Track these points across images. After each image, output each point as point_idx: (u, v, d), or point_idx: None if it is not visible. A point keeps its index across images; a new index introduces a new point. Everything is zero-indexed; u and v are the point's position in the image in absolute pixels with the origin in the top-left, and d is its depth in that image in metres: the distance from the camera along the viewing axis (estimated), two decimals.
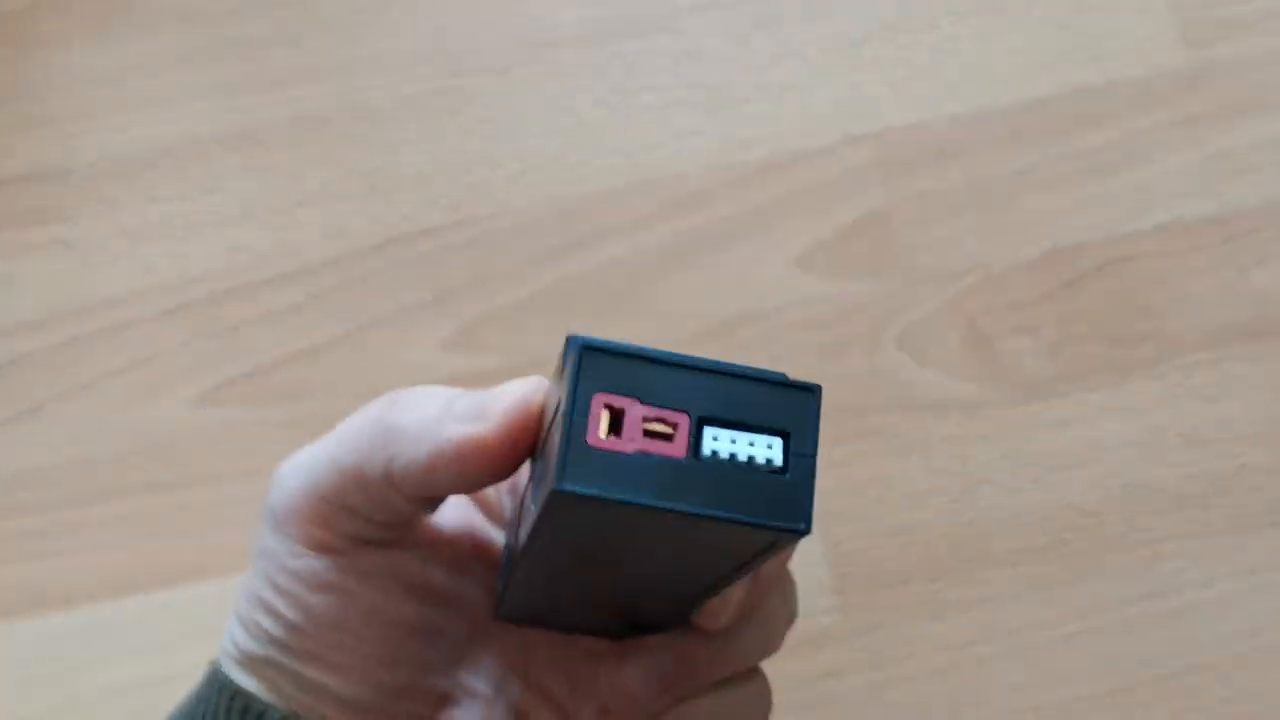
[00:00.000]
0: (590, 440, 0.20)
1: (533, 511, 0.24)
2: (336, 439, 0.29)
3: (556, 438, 0.21)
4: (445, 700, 0.31)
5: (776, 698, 0.33)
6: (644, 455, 0.20)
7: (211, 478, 0.53)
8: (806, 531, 0.21)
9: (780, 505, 0.20)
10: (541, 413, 0.25)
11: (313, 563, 0.28)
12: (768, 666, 0.32)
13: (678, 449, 0.20)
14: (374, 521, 0.29)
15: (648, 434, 0.21)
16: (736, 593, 0.28)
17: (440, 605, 0.31)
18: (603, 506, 0.20)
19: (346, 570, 0.29)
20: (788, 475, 0.21)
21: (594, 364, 0.21)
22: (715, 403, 0.21)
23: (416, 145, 0.57)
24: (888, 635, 0.50)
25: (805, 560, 0.50)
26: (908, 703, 0.49)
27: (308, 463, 0.29)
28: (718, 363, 0.21)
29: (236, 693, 0.30)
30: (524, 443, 0.25)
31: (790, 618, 0.32)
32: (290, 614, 0.29)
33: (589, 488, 0.20)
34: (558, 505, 0.21)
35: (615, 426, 0.21)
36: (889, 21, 0.57)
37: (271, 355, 0.54)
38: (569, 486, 0.20)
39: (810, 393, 0.21)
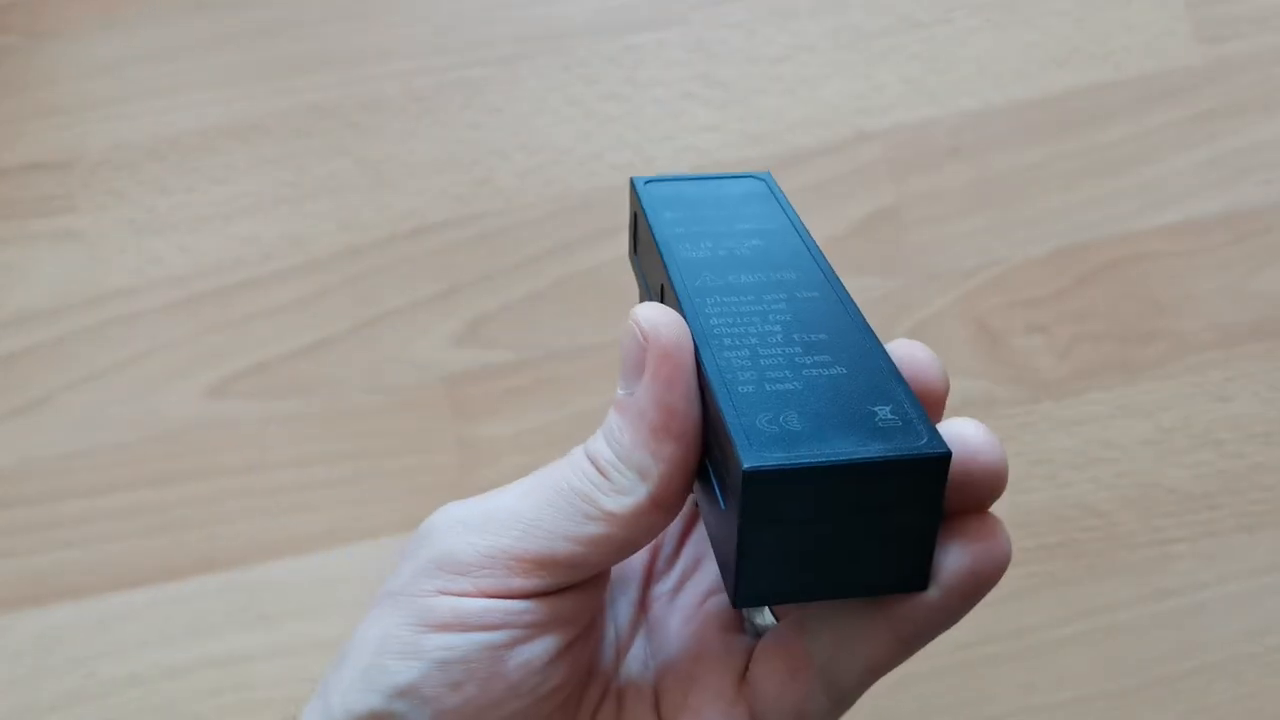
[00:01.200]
0: None
1: None
2: (532, 501, 0.27)
3: None
4: None
5: None
6: None
7: (218, 470, 0.53)
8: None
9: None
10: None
11: (488, 605, 0.26)
12: None
13: None
14: (571, 571, 0.27)
15: None
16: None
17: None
18: None
19: (526, 613, 0.26)
20: None
21: None
22: None
23: (425, 137, 0.57)
24: None
25: None
26: (915, 700, 0.49)
27: (500, 519, 0.27)
28: None
29: None
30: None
31: None
32: (444, 652, 0.26)
33: None
34: None
35: None
36: (902, 15, 0.57)
37: (279, 348, 0.54)
38: None
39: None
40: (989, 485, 0.24)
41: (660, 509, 0.26)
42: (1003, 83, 0.56)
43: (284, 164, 0.57)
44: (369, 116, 0.57)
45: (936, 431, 0.23)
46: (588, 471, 0.26)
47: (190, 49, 0.59)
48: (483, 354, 0.54)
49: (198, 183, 0.57)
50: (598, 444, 0.26)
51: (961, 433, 0.24)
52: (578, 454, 0.27)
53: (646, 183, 0.33)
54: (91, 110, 0.58)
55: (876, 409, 0.24)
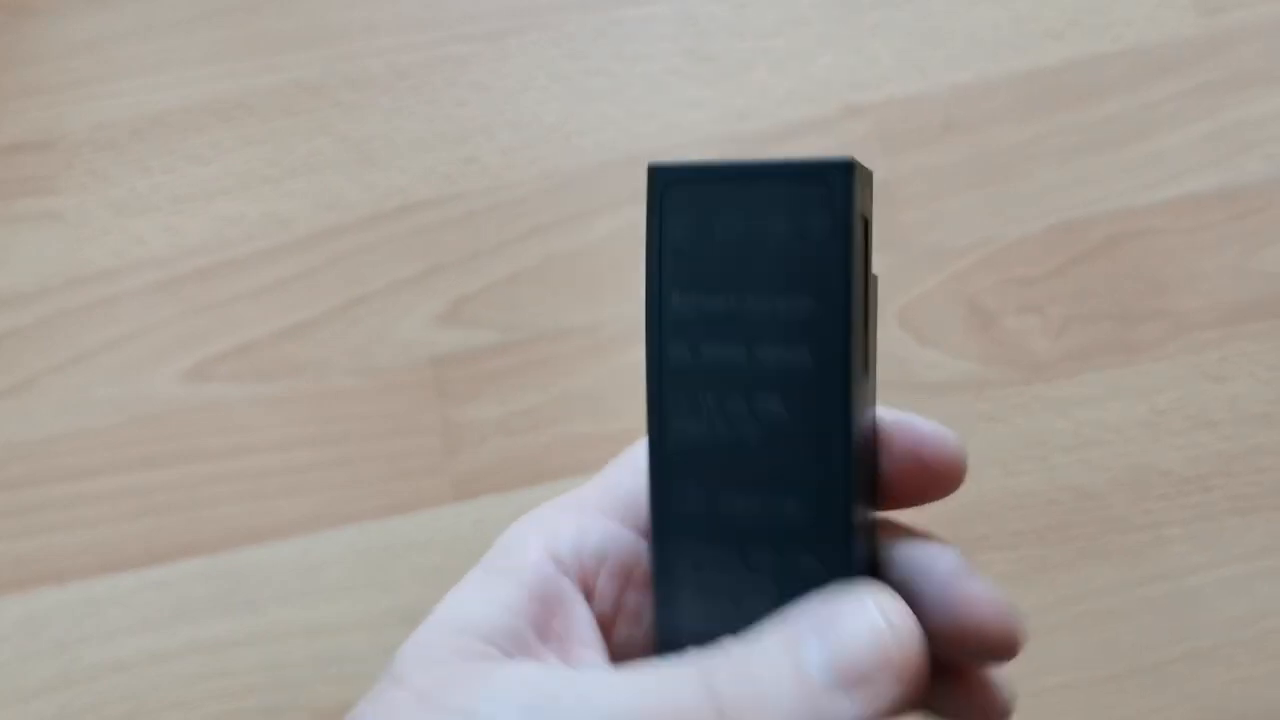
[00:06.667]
0: None
1: None
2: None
3: None
4: None
5: None
6: None
7: (202, 454, 0.52)
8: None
9: None
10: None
11: None
12: None
13: None
14: None
15: None
16: None
17: None
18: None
19: None
20: None
21: None
22: None
23: (410, 114, 0.56)
24: None
25: None
26: None
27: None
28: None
29: None
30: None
31: None
32: None
33: None
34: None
35: None
36: None
37: (263, 330, 0.54)
38: None
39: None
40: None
41: None
42: (997, 55, 0.55)
43: (267, 143, 0.56)
44: (353, 94, 0.56)
45: None
46: None
47: (173, 26, 0.58)
48: (468, 335, 0.53)
49: (180, 162, 0.56)
50: None
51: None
52: None
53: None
54: (73, 89, 0.57)
55: None
